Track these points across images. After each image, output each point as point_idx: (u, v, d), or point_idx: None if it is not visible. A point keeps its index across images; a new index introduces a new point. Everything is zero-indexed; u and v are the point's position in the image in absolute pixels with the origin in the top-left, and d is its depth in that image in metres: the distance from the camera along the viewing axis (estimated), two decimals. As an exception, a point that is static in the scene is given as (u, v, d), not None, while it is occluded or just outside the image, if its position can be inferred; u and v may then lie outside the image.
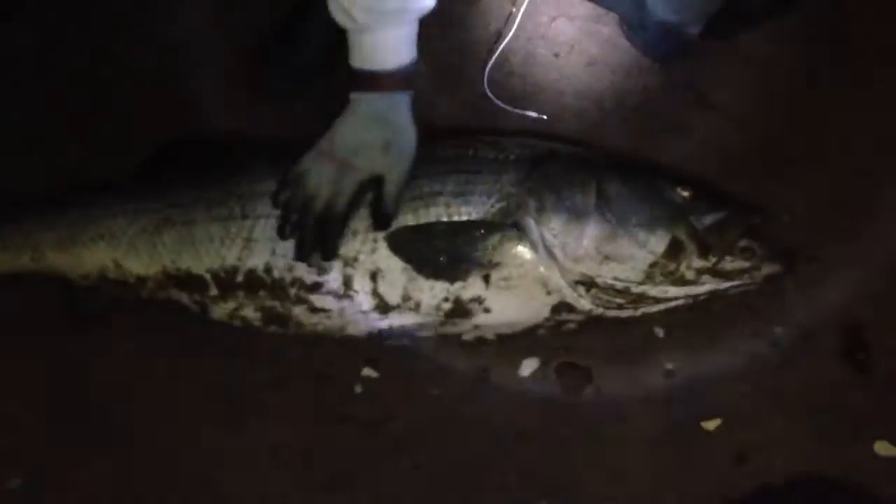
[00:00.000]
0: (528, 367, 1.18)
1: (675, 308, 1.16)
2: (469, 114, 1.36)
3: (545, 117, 1.34)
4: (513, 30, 1.36)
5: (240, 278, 1.15)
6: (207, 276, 1.17)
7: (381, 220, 1.12)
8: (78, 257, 1.22)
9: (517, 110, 1.35)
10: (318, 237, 1.12)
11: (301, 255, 1.13)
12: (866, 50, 1.36)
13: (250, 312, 1.17)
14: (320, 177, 1.13)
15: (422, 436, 1.15)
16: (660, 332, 1.18)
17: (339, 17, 1.09)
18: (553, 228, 1.11)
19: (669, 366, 1.17)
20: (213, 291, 1.17)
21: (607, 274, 1.10)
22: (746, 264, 1.11)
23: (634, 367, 1.17)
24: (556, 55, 1.38)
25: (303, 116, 1.36)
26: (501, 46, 1.36)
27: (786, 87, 1.34)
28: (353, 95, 1.13)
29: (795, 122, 1.31)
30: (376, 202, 1.12)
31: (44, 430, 1.19)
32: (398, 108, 1.13)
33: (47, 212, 1.23)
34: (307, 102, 1.36)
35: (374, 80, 1.12)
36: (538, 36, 1.40)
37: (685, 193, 1.14)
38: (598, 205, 1.11)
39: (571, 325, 1.16)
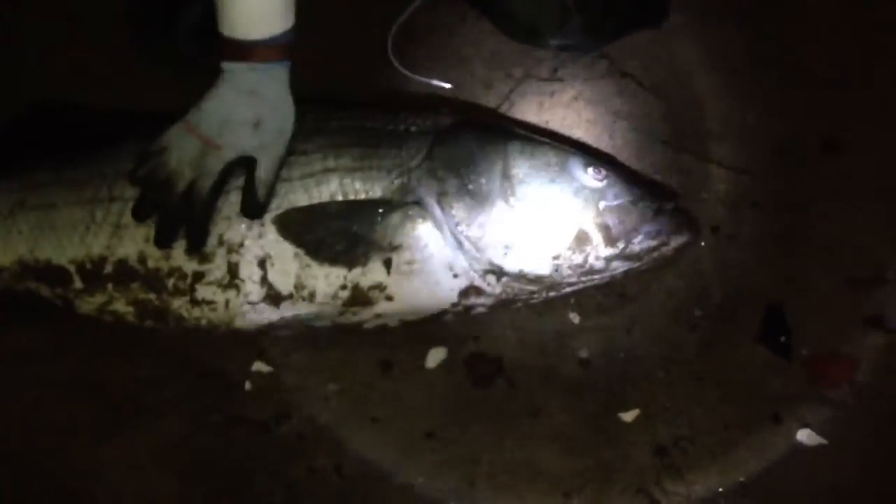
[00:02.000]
0: (435, 357, 1.09)
1: (590, 291, 1.09)
2: (370, 83, 1.24)
3: (449, 86, 1.24)
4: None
5: (108, 269, 1.03)
6: (71, 268, 1.03)
7: (250, 208, 0.99)
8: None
9: (421, 78, 1.24)
10: (177, 220, 1.00)
11: (160, 239, 1.01)
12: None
13: (122, 307, 1.04)
14: (183, 154, 0.99)
15: (319, 436, 1.06)
16: (574, 317, 1.11)
17: None
18: (456, 215, 1.01)
19: (584, 354, 1.09)
20: (78, 284, 1.04)
21: (512, 265, 1.02)
22: (654, 242, 1.04)
23: (548, 357, 1.09)
24: (464, 20, 1.28)
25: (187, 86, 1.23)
26: (409, 10, 1.24)
27: (698, 57, 1.27)
28: (225, 65, 1.00)
29: (712, 93, 1.25)
30: (246, 187, 0.99)
31: None
32: (271, 82, 1.00)
33: None
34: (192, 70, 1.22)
35: (245, 50, 0.99)
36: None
37: (597, 175, 1.05)
38: (503, 189, 1.02)
39: (481, 310, 1.07)
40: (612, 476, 1.03)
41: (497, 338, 1.10)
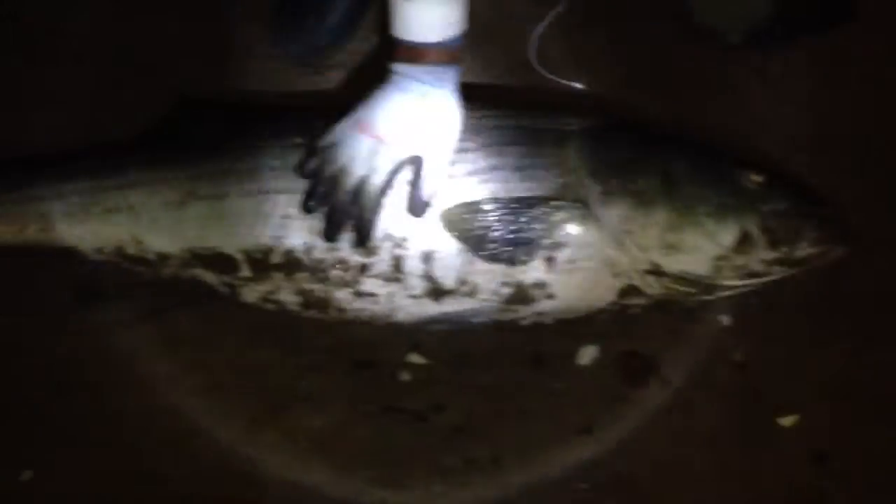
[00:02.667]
0: (588, 355, 1.10)
1: (743, 293, 1.08)
2: (508, 82, 1.26)
3: (589, 88, 1.24)
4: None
5: (276, 259, 1.05)
6: (239, 256, 1.06)
7: (416, 207, 1.01)
8: (91, 230, 1.10)
9: (564, 81, 1.24)
10: (347, 216, 1.01)
11: (329, 233, 1.02)
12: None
13: (287, 296, 1.07)
14: (354, 151, 1.01)
15: (475, 428, 1.07)
16: (726, 319, 1.11)
17: None
18: (618, 215, 1.01)
19: (739, 356, 1.09)
20: (246, 272, 1.06)
21: (672, 265, 1.01)
22: (816, 250, 1.02)
23: (701, 358, 1.09)
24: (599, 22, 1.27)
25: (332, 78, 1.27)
26: (551, 16, 1.24)
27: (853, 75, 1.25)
28: (394, 66, 1.00)
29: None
30: (413, 186, 1.01)
31: (53, 419, 1.10)
32: (444, 84, 1.00)
33: (57, 179, 1.10)
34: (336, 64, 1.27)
35: (419, 52, 0.99)
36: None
37: (757, 178, 1.04)
38: (665, 190, 1.02)
39: (636, 310, 1.07)
40: (766, 481, 1.03)
41: (649, 337, 1.10)
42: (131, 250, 1.09)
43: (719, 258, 1.01)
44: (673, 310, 1.08)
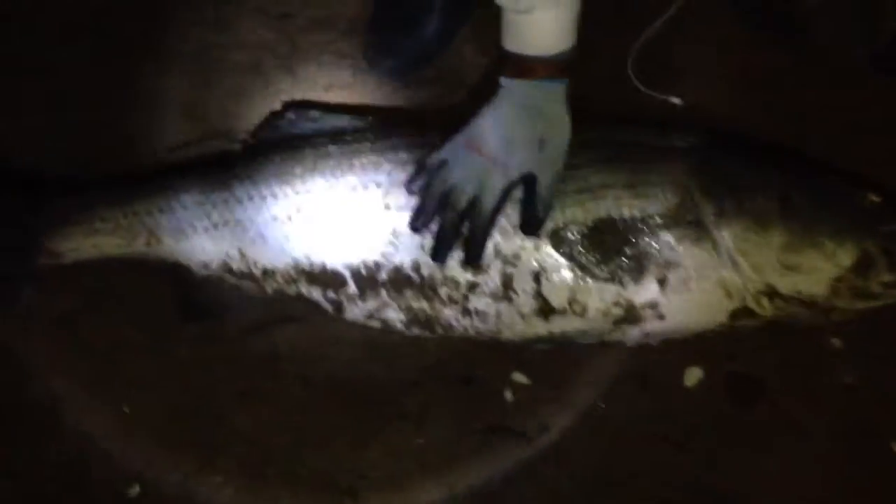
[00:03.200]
0: (693, 376, 1.09)
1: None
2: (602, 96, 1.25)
3: (683, 103, 1.22)
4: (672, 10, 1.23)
5: (384, 276, 1.05)
6: (346, 272, 1.06)
7: (531, 225, 1.01)
8: (198, 245, 1.11)
9: (661, 95, 1.23)
10: (456, 235, 1.01)
11: (440, 253, 1.03)
12: None
13: (393, 313, 1.07)
14: (466, 170, 1.01)
15: (580, 448, 1.07)
16: (837, 342, 1.09)
17: None
18: (734, 235, 1.00)
19: (850, 379, 1.07)
20: (352, 289, 1.07)
21: (788, 286, 1.00)
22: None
23: (811, 380, 1.07)
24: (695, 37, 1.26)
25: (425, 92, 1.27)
26: (657, 24, 1.23)
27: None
28: (505, 82, 1.01)
29: None
30: (527, 205, 1.00)
31: (161, 436, 1.11)
32: (555, 99, 1.00)
33: (164, 193, 1.11)
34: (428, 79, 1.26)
35: (531, 67, 0.99)
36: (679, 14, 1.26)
37: (875, 199, 1.03)
38: (784, 212, 1.01)
39: (744, 332, 1.05)
40: (880, 507, 1.01)
41: (756, 358, 1.09)
42: (237, 265, 1.10)
43: (837, 279, 0.99)
44: (782, 331, 1.06)
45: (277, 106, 1.25)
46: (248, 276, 1.10)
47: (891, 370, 1.07)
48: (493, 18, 1.27)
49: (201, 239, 1.11)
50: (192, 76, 1.25)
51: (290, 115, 1.19)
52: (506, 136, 1.00)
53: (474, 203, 1.00)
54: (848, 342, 1.08)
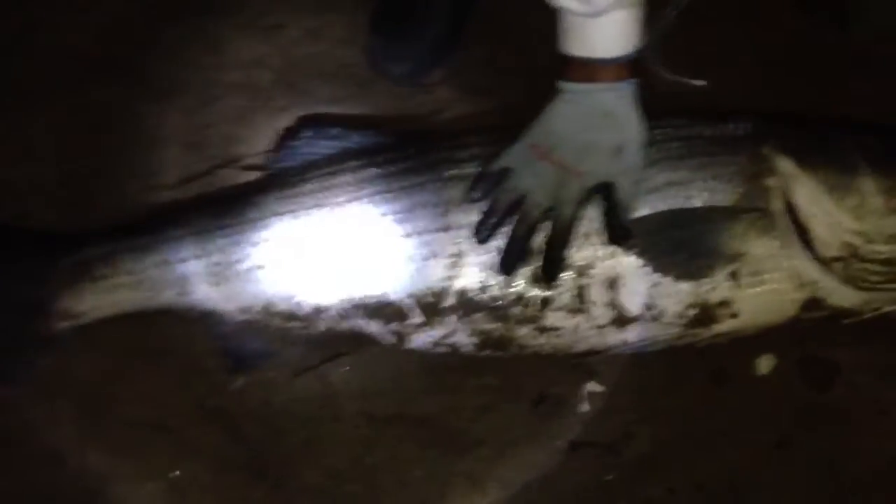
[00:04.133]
0: (766, 365, 1.07)
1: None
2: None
3: (704, 83, 1.19)
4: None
5: (450, 301, 0.99)
6: (409, 302, 1.00)
7: (618, 235, 0.96)
8: (235, 290, 1.03)
9: (683, 79, 1.19)
10: (527, 247, 0.96)
11: (507, 266, 0.97)
12: None
13: (462, 338, 1.01)
14: (537, 178, 0.96)
15: (669, 454, 1.03)
16: (902, 313, 1.09)
17: (566, 1, 0.90)
18: (824, 183, 0.97)
19: (923, 351, 1.07)
20: (417, 318, 1.00)
21: (885, 230, 0.97)
22: None
23: (885, 355, 1.06)
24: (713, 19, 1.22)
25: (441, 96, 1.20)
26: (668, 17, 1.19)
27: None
28: (570, 86, 0.96)
29: None
30: (610, 215, 0.96)
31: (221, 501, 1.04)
32: (624, 102, 0.95)
33: (193, 239, 1.03)
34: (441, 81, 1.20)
35: (598, 70, 0.95)
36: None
37: None
38: (867, 160, 0.98)
39: (809, 323, 1.04)
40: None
41: (824, 339, 1.07)
42: (282, 307, 1.02)
43: None
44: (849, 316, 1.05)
45: (282, 125, 1.17)
46: (295, 316, 1.03)
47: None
48: (502, 12, 1.25)
49: (240, 283, 1.02)
50: (185, 103, 1.16)
51: (307, 132, 1.11)
52: (580, 144, 0.95)
53: (549, 214, 0.96)
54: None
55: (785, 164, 0.98)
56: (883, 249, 0.98)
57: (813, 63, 1.19)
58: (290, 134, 1.14)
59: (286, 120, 1.17)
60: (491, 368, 1.06)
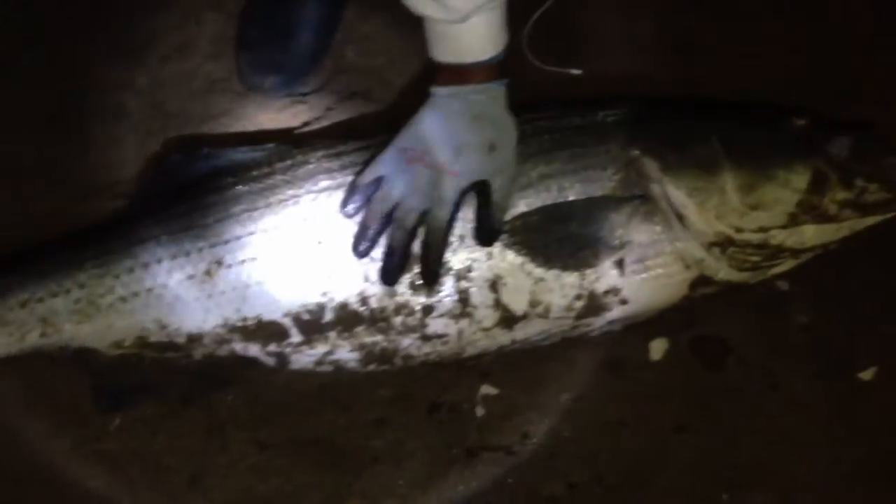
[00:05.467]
0: (658, 349, 1.06)
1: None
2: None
3: (580, 72, 1.18)
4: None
5: (329, 316, 0.96)
6: (286, 321, 0.96)
7: (487, 234, 0.94)
8: (105, 324, 0.98)
9: (558, 69, 1.18)
10: (407, 255, 0.94)
11: (390, 276, 0.95)
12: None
13: (345, 354, 0.98)
14: (412, 183, 0.93)
15: (570, 450, 1.01)
16: (784, 284, 1.08)
17: (429, 9, 0.88)
18: (684, 187, 0.97)
19: (804, 319, 1.07)
20: (296, 337, 0.97)
21: (750, 224, 0.97)
22: (888, 195, 1.00)
23: (769, 329, 1.07)
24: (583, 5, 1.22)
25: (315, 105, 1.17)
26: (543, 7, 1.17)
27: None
28: (440, 90, 0.94)
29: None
30: (482, 214, 0.94)
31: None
32: (494, 102, 0.94)
33: (53, 274, 0.97)
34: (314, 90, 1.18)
35: (466, 74, 0.93)
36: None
37: (801, 122, 1.02)
38: (729, 154, 0.98)
39: (700, 300, 1.04)
40: (871, 436, 1.02)
41: (712, 317, 1.07)
42: (156, 337, 0.98)
43: (798, 204, 0.97)
44: (733, 289, 1.05)
45: (151, 148, 1.12)
46: (171, 346, 0.98)
47: (838, 304, 1.08)
48: (368, 15, 1.22)
49: (108, 317, 0.97)
50: (50, 131, 1.10)
51: (176, 156, 1.07)
52: (453, 144, 0.93)
53: (425, 218, 0.93)
54: (794, 283, 1.08)
55: (650, 167, 0.98)
56: (754, 238, 0.98)
57: (685, 47, 1.20)
58: (159, 158, 1.11)
59: (155, 143, 1.14)
60: (382, 381, 1.02)
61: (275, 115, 1.17)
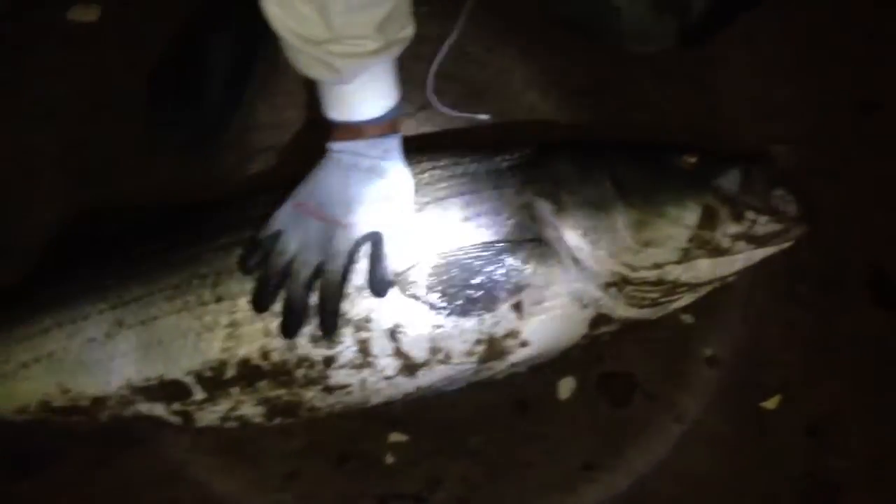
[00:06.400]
0: (567, 388, 1.08)
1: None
2: (416, 126, 1.20)
3: (489, 118, 1.21)
4: (455, 32, 1.22)
5: (231, 373, 0.96)
6: (188, 379, 0.96)
7: (380, 285, 0.95)
8: (6, 391, 0.98)
9: (465, 114, 1.21)
10: (305, 308, 0.94)
11: (289, 330, 0.95)
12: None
13: (249, 409, 0.98)
14: (306, 237, 0.94)
15: (479, 494, 1.02)
16: (688, 318, 1.11)
17: (313, 71, 0.90)
18: (579, 227, 0.99)
19: (710, 352, 1.09)
20: (199, 395, 0.97)
21: (644, 262, 0.99)
22: (778, 227, 1.02)
23: (676, 362, 1.09)
24: (490, 50, 1.25)
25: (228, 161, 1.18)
26: (445, 49, 1.21)
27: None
28: (336, 146, 0.96)
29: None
30: (375, 266, 0.95)
31: None
32: (391, 155, 0.96)
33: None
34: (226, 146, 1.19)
35: (360, 130, 0.95)
36: (463, 34, 1.23)
37: (691, 160, 1.04)
38: (619, 192, 1.00)
39: (605, 337, 1.05)
40: (774, 466, 1.04)
41: (620, 354, 1.09)
42: (60, 402, 0.97)
43: (689, 240, 0.99)
44: (639, 325, 1.07)
45: (59, 211, 1.13)
46: (75, 409, 0.98)
47: (741, 335, 1.10)
48: (280, 71, 1.23)
49: (10, 383, 0.97)
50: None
51: (78, 220, 1.08)
52: (345, 197, 0.95)
53: (320, 270, 0.94)
54: (698, 317, 1.10)
55: (544, 210, 0.99)
56: (649, 275, 1.00)
57: (587, 91, 1.23)
58: (62, 222, 1.11)
59: (59, 207, 1.13)
60: (291, 433, 1.03)
61: (183, 172, 1.18)
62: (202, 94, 1.17)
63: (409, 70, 1.16)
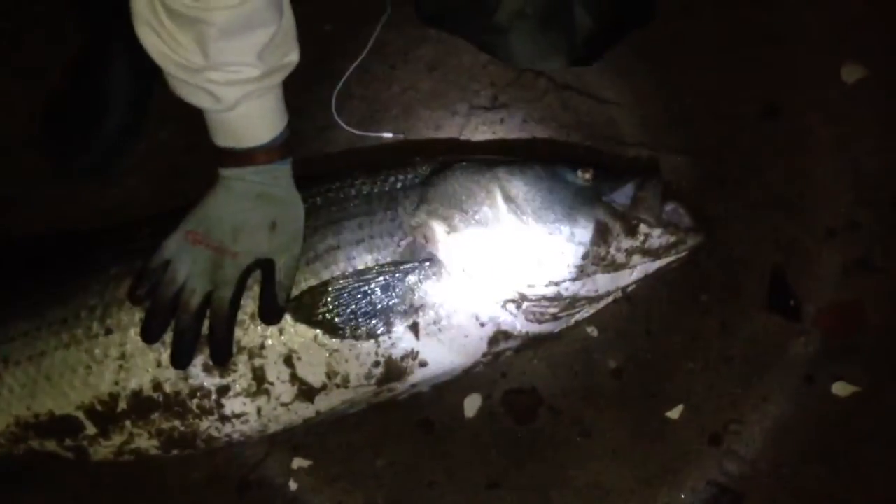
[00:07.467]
0: (472, 405, 1.07)
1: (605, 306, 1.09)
2: (321, 147, 1.20)
3: (402, 136, 1.21)
4: (365, 51, 1.21)
5: (123, 405, 0.94)
6: (79, 414, 0.94)
7: (271, 313, 0.94)
8: None
9: (372, 133, 1.21)
10: (195, 337, 0.93)
11: (179, 360, 0.93)
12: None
13: (144, 442, 0.96)
14: (194, 266, 0.93)
15: (385, 518, 1.02)
16: (593, 331, 1.11)
17: (195, 99, 0.89)
18: (471, 247, 0.98)
19: (613, 364, 1.10)
20: (91, 430, 0.95)
21: (539, 280, 0.99)
22: (673, 238, 1.03)
23: (580, 375, 1.09)
24: (394, 67, 1.26)
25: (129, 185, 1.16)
26: (348, 72, 1.21)
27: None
28: (225, 172, 0.94)
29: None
30: (265, 292, 0.94)
31: None
32: (277, 182, 0.95)
33: None
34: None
35: (248, 157, 0.94)
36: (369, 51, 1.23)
37: (586, 175, 1.05)
38: (510, 210, 1.01)
39: (508, 353, 1.05)
40: (678, 475, 1.05)
41: (524, 369, 1.09)
42: (-52, 442, 0.96)
43: (584, 257, 0.99)
44: (543, 339, 1.07)
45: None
46: (-35, 449, 0.96)
47: (644, 345, 1.11)
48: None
49: None
50: None
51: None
52: (233, 224, 0.94)
53: (211, 299, 0.93)
54: (602, 329, 1.11)
55: (437, 230, 0.99)
56: (547, 291, 0.99)
57: (495, 102, 1.23)
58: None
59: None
60: (192, 464, 1.02)
61: (85, 200, 1.16)
62: (102, 118, 1.16)
63: (312, 90, 1.19)
